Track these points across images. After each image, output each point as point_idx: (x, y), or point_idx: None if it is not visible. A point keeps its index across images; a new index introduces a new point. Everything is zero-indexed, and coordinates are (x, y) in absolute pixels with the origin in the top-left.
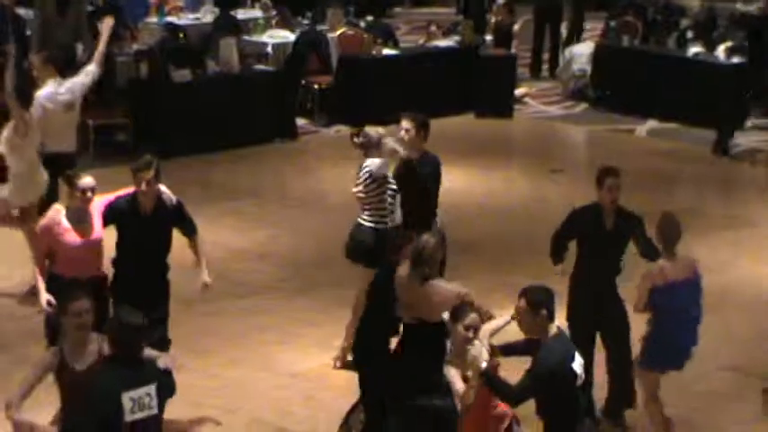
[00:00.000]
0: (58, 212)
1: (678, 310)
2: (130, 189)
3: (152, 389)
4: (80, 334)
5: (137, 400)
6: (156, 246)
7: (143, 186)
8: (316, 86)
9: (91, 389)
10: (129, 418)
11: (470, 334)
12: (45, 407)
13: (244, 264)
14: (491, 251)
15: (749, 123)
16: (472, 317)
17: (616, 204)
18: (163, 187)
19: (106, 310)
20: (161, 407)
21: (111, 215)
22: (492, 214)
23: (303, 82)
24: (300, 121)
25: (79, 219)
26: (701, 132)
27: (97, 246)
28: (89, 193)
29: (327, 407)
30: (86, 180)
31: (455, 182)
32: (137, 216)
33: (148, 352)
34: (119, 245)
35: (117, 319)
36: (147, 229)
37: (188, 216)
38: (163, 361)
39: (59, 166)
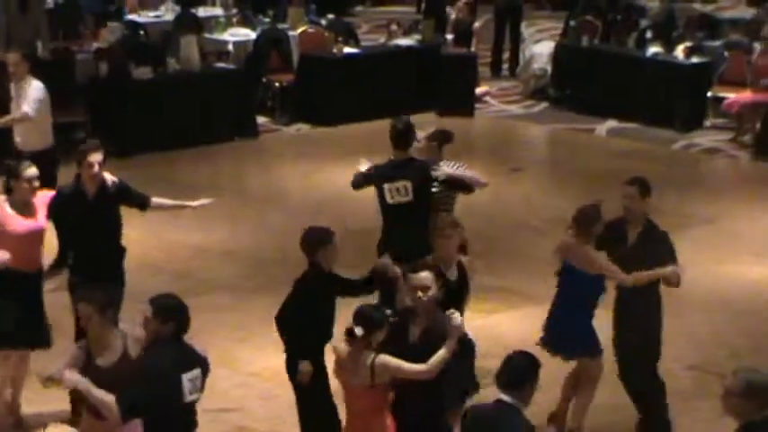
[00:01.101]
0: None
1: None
2: None
3: (199, 372)
4: (99, 330)
5: (192, 381)
6: (103, 228)
7: (93, 169)
8: (277, 85)
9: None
10: (188, 399)
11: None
12: (52, 401)
13: (204, 261)
14: None
15: (707, 123)
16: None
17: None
18: (107, 174)
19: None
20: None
21: (56, 201)
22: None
23: (264, 80)
24: (261, 120)
25: (24, 209)
26: (660, 132)
27: (40, 236)
28: (35, 183)
29: (287, 405)
30: (32, 170)
31: None
32: (82, 200)
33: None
34: (70, 231)
35: (169, 298)
36: (92, 212)
37: (135, 190)
38: (199, 347)
39: (45, 164)
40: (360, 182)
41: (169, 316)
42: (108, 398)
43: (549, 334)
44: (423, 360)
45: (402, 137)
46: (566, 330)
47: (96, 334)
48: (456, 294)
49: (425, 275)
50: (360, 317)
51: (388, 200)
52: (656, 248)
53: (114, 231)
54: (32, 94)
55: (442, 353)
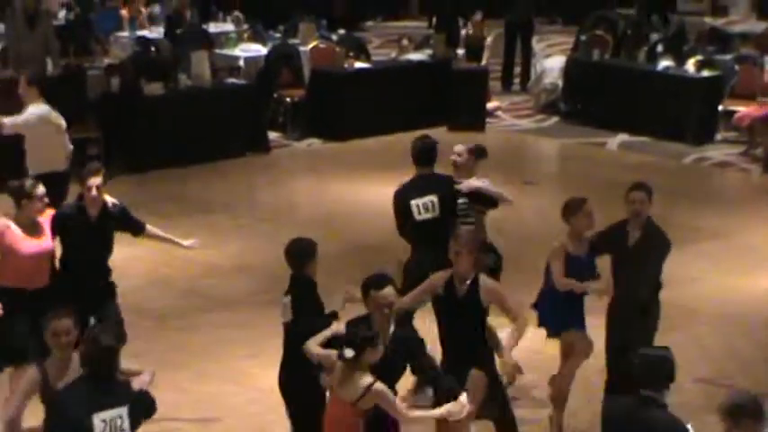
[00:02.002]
0: (5, 222)
1: None
2: None
3: (124, 411)
4: (62, 354)
5: (108, 422)
6: (100, 250)
7: (92, 192)
8: (288, 100)
9: (62, 409)
10: None
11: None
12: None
13: (216, 278)
14: None
15: (718, 137)
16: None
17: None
18: (107, 196)
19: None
20: (134, 427)
21: (59, 221)
22: None
23: (275, 95)
24: (273, 135)
25: (31, 228)
26: (672, 145)
27: (48, 255)
28: (45, 200)
29: None
30: (41, 188)
31: None
32: (83, 221)
33: (127, 367)
34: (64, 250)
35: (91, 337)
36: (92, 234)
37: (133, 217)
38: (138, 382)
39: (53, 186)
40: (399, 221)
41: (84, 359)
42: None
43: (541, 315)
44: (391, 371)
45: (426, 153)
46: (552, 306)
47: (64, 355)
48: (456, 312)
49: (389, 291)
50: (349, 338)
51: (416, 216)
52: (658, 248)
53: (109, 252)
54: (25, 112)
55: (435, 412)
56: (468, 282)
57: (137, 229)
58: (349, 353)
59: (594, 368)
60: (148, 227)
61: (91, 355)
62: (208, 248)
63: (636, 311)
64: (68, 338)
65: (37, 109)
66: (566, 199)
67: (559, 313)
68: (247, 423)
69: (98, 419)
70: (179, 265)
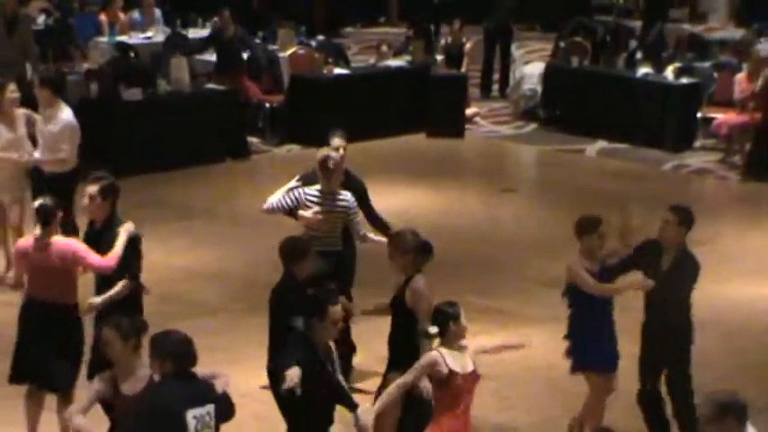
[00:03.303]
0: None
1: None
2: None
3: (212, 408)
4: (131, 359)
5: (200, 419)
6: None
7: (84, 200)
8: (267, 105)
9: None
10: None
11: (464, 332)
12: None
13: (195, 284)
14: (442, 270)
15: (697, 144)
16: (462, 315)
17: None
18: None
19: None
20: (218, 427)
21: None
22: (443, 234)
23: (255, 101)
24: (252, 140)
25: None
26: (650, 152)
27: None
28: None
29: (279, 427)
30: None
31: (407, 201)
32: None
33: (201, 372)
34: None
35: (165, 335)
36: (91, 243)
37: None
38: (221, 383)
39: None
40: None
41: (165, 354)
42: None
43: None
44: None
45: None
46: (575, 342)
47: (119, 361)
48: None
49: (338, 308)
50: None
51: None
52: (686, 277)
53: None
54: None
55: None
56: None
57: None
58: (433, 330)
59: (553, 387)
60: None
61: (175, 350)
62: (186, 254)
63: (670, 333)
64: (134, 342)
65: (67, 114)
66: (579, 217)
67: (578, 348)
68: (225, 428)
69: (191, 416)
70: (157, 271)
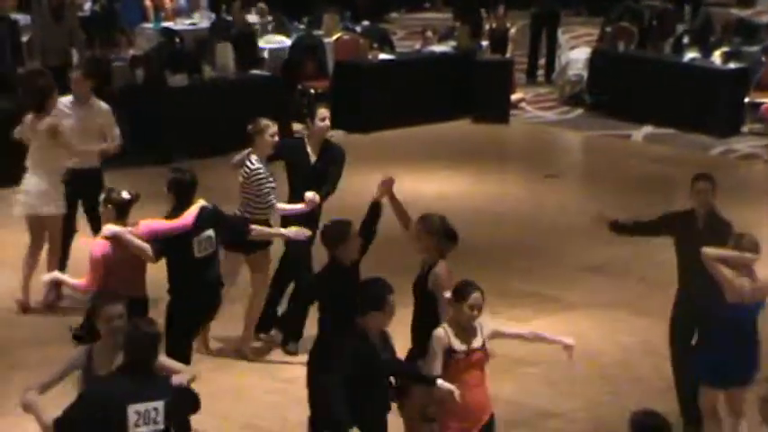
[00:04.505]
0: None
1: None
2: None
3: (160, 404)
4: (110, 339)
5: (142, 414)
6: None
7: None
8: (312, 92)
9: (99, 396)
10: (132, 431)
11: (475, 313)
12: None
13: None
14: (486, 256)
15: (744, 129)
16: (475, 296)
17: (708, 208)
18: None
19: None
20: (178, 423)
21: None
22: (487, 219)
23: (299, 87)
24: (296, 127)
25: None
26: (697, 137)
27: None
28: None
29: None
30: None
31: (450, 187)
32: None
33: (169, 364)
34: None
35: (132, 329)
36: None
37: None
38: (178, 378)
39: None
40: None
41: (129, 347)
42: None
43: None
44: None
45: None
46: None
47: (113, 341)
48: None
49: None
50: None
51: None
52: (723, 236)
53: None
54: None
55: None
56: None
57: None
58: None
59: (598, 373)
60: None
61: (132, 346)
62: None
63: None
64: (116, 324)
65: (106, 107)
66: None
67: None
68: (268, 414)
69: (132, 410)
70: None
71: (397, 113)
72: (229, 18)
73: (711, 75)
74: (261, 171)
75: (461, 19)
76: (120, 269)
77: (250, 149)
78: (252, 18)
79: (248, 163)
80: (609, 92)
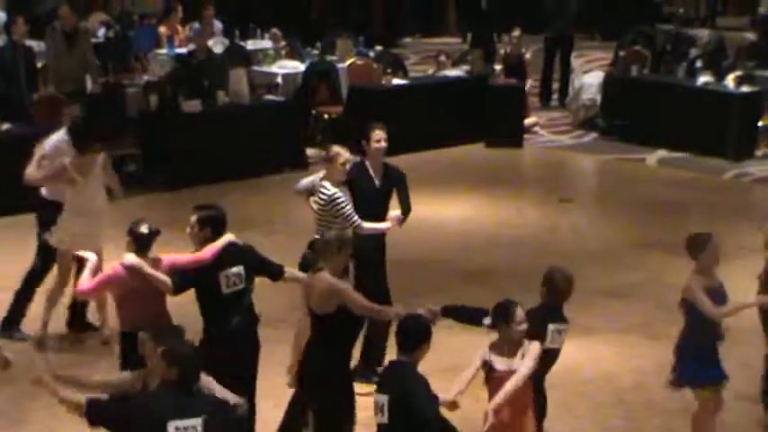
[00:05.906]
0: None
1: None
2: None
3: (199, 422)
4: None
5: (182, 430)
6: None
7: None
8: (326, 117)
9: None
10: None
11: (524, 326)
12: None
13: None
14: (500, 280)
15: (758, 152)
16: (519, 313)
17: None
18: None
19: None
20: None
21: None
22: (502, 244)
23: (313, 112)
24: (310, 152)
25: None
26: (711, 161)
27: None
28: None
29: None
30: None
31: (465, 211)
32: None
33: (219, 389)
34: None
35: (181, 344)
36: None
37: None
38: (229, 396)
39: None
40: None
41: (174, 361)
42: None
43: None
44: None
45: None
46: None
47: (150, 361)
48: None
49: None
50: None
51: None
52: None
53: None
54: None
55: None
56: None
57: None
58: (487, 321)
59: (615, 397)
60: None
61: (182, 361)
62: None
63: None
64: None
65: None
66: (690, 235)
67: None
68: None
69: (172, 426)
70: None
71: (411, 138)
72: (242, 44)
73: (725, 99)
74: (338, 194)
75: (474, 44)
76: (136, 298)
77: (320, 175)
78: (265, 43)
79: (323, 189)
80: (622, 116)
